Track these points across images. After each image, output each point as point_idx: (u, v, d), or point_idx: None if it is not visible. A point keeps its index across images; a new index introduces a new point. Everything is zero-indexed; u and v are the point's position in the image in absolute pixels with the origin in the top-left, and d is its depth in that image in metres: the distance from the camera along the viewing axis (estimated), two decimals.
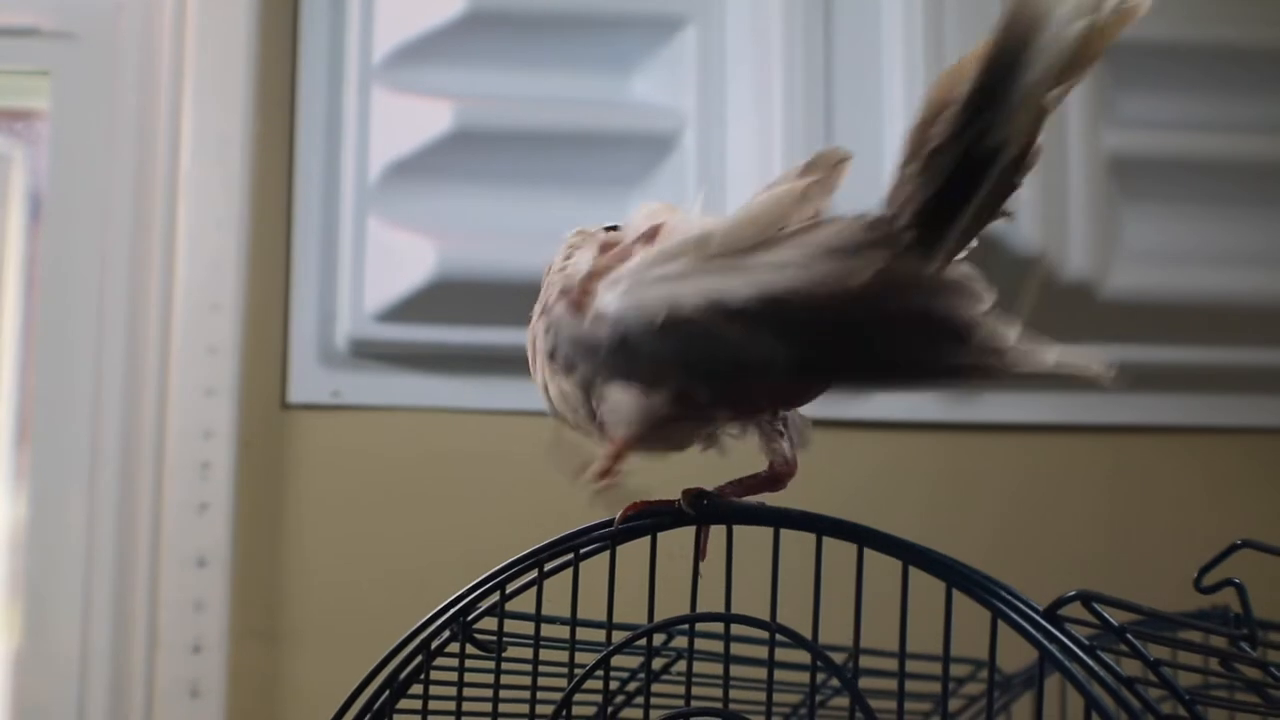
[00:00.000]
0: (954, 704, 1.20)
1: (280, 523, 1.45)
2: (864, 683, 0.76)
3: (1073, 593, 0.67)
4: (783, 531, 0.76)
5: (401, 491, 1.46)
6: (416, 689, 0.85)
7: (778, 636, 0.75)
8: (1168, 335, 1.55)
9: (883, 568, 0.73)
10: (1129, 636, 0.66)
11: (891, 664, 0.75)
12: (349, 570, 1.42)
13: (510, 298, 1.45)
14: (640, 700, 0.83)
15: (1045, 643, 0.66)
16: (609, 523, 0.81)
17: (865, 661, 0.81)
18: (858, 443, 1.52)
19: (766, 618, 0.76)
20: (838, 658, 0.76)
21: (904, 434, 1.53)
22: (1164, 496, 1.56)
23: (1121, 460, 1.56)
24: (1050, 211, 1.47)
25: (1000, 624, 0.69)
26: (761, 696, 0.78)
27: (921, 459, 1.54)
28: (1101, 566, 1.48)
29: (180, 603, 1.41)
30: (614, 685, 0.87)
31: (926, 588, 0.72)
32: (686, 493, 0.79)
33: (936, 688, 1.17)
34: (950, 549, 0.71)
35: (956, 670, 1.14)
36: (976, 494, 1.54)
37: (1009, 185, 0.69)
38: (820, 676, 0.91)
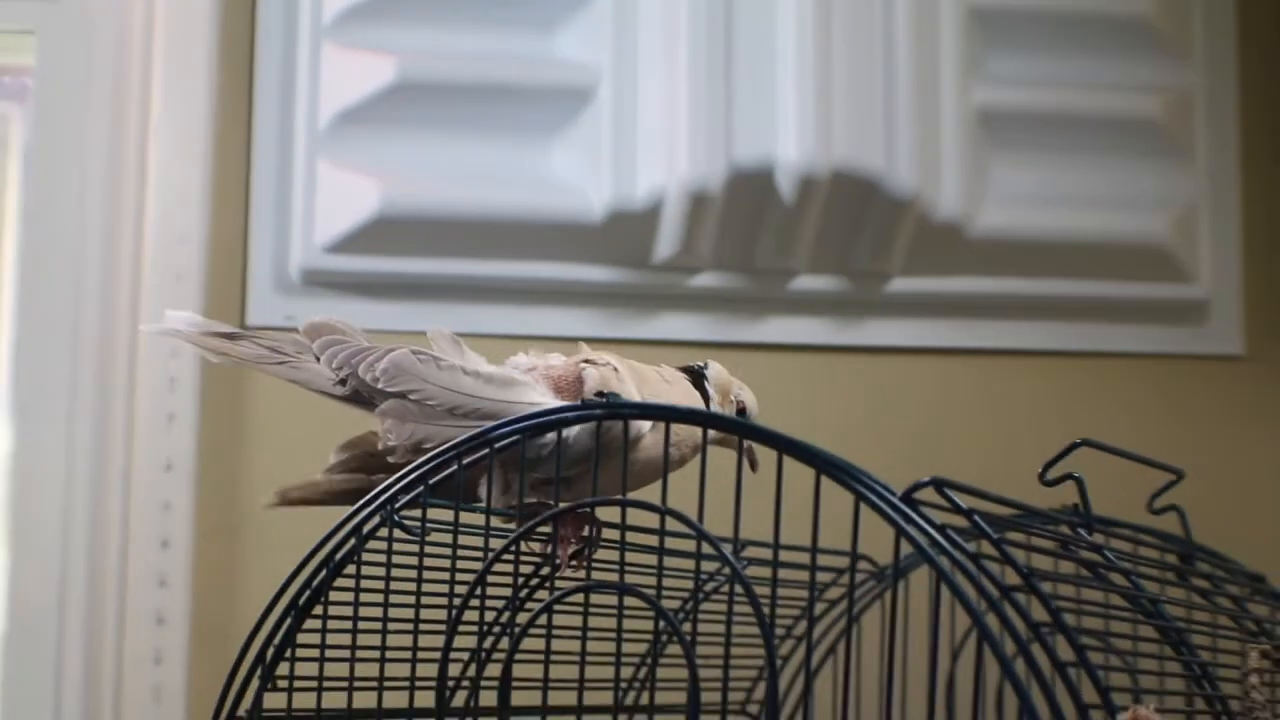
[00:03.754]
0: (835, 592, 1.20)
1: (240, 431, 1.43)
2: (750, 571, 0.76)
3: (927, 479, 0.66)
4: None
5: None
6: (350, 570, 0.85)
7: (669, 524, 0.75)
8: (1029, 270, 1.55)
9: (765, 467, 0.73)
10: (975, 517, 0.66)
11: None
12: (302, 473, 1.41)
13: (445, 232, 1.45)
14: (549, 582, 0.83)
15: (902, 523, 0.66)
16: (521, 419, 0.81)
17: (752, 552, 0.81)
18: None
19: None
20: (726, 548, 0.75)
21: (796, 355, 1.53)
22: (1023, 412, 1.56)
23: (987, 380, 1.57)
24: (925, 158, 1.47)
25: (865, 512, 0.69)
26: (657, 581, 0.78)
27: (810, 380, 1.54)
28: (968, 472, 1.48)
29: (150, 503, 1.40)
30: (527, 570, 0.87)
31: (802, 485, 0.72)
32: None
33: (817, 576, 1.18)
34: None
35: (836, 561, 1.14)
36: (857, 411, 1.54)
37: None
38: (713, 567, 0.91)
